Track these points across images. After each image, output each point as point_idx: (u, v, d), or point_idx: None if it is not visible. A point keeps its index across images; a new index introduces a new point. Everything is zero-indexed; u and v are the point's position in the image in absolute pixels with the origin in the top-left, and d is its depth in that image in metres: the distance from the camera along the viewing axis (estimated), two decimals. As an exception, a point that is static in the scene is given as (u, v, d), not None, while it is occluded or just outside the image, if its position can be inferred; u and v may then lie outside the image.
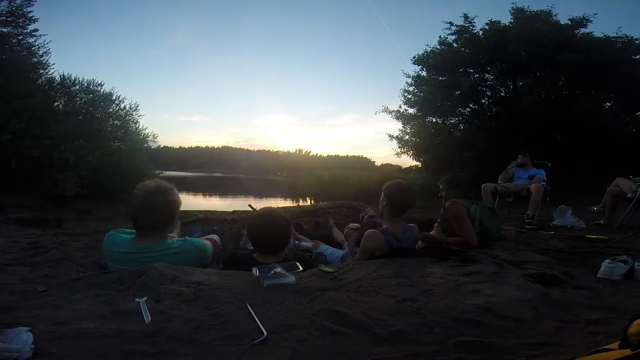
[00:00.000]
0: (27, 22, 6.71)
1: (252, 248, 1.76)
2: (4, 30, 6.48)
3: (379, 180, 11.12)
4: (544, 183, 4.02)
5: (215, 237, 2.13)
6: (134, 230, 1.60)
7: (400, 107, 10.40)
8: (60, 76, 7.14)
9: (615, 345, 0.65)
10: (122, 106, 7.96)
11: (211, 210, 4.35)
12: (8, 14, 6.50)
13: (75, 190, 5.38)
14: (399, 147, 10.69)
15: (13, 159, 4.93)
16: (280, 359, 0.83)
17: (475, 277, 1.46)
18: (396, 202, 2.01)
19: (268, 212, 1.79)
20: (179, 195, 1.64)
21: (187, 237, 1.75)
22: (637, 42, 8.24)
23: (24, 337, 0.82)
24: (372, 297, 1.21)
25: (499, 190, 4.20)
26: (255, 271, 1.35)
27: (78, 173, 5.49)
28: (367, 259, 1.83)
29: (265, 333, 0.93)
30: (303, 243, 2.58)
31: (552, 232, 3.05)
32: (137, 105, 8.23)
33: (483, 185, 4.21)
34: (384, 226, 2.04)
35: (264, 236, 1.64)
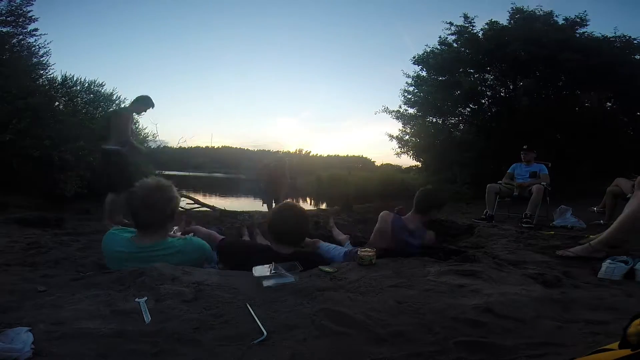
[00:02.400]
0: (27, 21, 6.72)
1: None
2: (4, 29, 6.49)
3: (378, 181, 11.14)
4: (544, 183, 4.03)
5: (213, 232, 2.15)
6: (133, 230, 1.60)
7: (400, 107, 10.40)
8: (62, 76, 7.14)
9: (615, 345, 0.65)
10: (122, 106, 7.96)
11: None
12: (8, 14, 6.50)
13: (75, 190, 5.38)
14: (399, 147, 10.69)
15: (14, 159, 4.92)
16: (281, 359, 0.83)
17: (475, 277, 1.46)
18: (416, 199, 2.31)
19: (288, 206, 1.91)
20: (178, 193, 1.64)
21: (187, 237, 1.76)
22: (635, 42, 8.24)
23: (24, 337, 0.82)
24: (372, 297, 1.21)
25: (503, 190, 4.21)
26: (255, 271, 1.35)
27: (78, 173, 5.48)
28: (379, 240, 2.10)
29: (265, 333, 0.93)
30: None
31: (552, 232, 3.05)
32: (137, 105, 8.23)
33: (488, 185, 4.23)
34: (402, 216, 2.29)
35: (283, 228, 1.72)
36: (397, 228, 2.12)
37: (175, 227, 2.57)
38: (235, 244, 1.95)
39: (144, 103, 3.75)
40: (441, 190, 2.67)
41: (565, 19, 8.65)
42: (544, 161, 4.47)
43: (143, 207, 1.51)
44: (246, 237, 2.77)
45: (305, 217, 1.86)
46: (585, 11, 8.55)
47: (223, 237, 2.05)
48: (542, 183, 4.01)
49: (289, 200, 4.04)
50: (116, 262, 1.52)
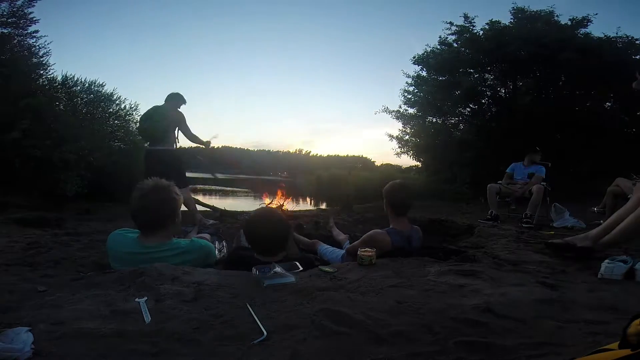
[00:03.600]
0: (28, 23, 6.73)
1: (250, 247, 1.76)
2: (5, 31, 6.49)
3: (378, 181, 11.12)
4: (544, 183, 4.04)
5: (206, 235, 2.15)
6: (138, 230, 1.60)
7: (400, 107, 10.41)
8: (62, 76, 7.14)
9: (615, 345, 0.65)
10: (122, 106, 7.97)
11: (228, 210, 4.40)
12: (9, 15, 6.51)
13: (75, 190, 5.38)
14: (399, 147, 10.70)
15: (17, 159, 4.93)
16: (280, 359, 0.83)
17: (475, 277, 1.46)
18: (395, 202, 2.02)
19: (265, 213, 1.75)
20: (178, 193, 1.63)
21: (193, 238, 1.76)
22: (637, 42, 8.24)
23: (24, 337, 0.82)
24: (372, 297, 1.21)
25: (503, 191, 4.22)
26: (255, 271, 1.35)
27: (79, 173, 5.48)
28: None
29: (265, 333, 0.93)
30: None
31: (552, 232, 3.06)
32: (138, 105, 8.23)
33: (489, 186, 4.23)
34: (391, 226, 2.04)
35: (261, 237, 1.62)
36: (394, 241, 1.93)
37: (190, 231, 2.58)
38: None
39: (179, 99, 3.72)
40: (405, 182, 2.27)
41: (571, 19, 8.64)
42: (544, 161, 4.47)
43: (140, 208, 1.51)
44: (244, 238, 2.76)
45: (283, 223, 1.67)
46: (596, 13, 8.54)
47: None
48: (542, 183, 4.02)
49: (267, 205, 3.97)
50: (122, 262, 1.52)
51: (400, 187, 2.09)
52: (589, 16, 8.53)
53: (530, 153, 4.39)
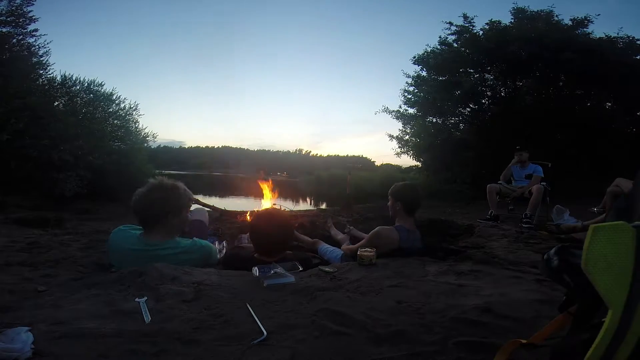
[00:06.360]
0: (27, 21, 6.72)
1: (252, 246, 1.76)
2: (4, 30, 6.48)
3: (378, 181, 11.12)
4: (544, 183, 4.04)
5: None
6: (142, 227, 1.62)
7: (400, 107, 10.41)
8: (61, 76, 7.14)
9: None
10: (122, 106, 7.96)
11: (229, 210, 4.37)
12: (8, 14, 6.50)
13: (75, 190, 5.38)
14: (399, 147, 10.70)
15: (12, 159, 4.93)
16: (280, 359, 0.83)
17: (475, 277, 1.46)
18: (407, 199, 2.09)
19: (269, 213, 1.77)
20: (187, 191, 1.66)
21: (195, 238, 1.76)
22: (638, 42, 8.25)
23: (24, 337, 0.82)
24: (372, 297, 1.21)
25: (503, 191, 4.22)
26: (255, 271, 1.35)
27: (78, 173, 5.48)
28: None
29: (265, 333, 0.93)
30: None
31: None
32: (137, 105, 8.23)
33: (488, 185, 4.23)
34: (398, 224, 2.07)
35: (265, 237, 1.63)
36: (405, 240, 1.97)
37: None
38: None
39: None
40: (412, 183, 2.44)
41: (572, 20, 8.64)
42: (544, 161, 4.46)
43: (141, 205, 1.55)
44: (245, 240, 2.75)
45: (287, 223, 1.72)
46: (599, 14, 8.53)
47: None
48: (542, 183, 4.02)
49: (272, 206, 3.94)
50: (122, 258, 1.53)
51: (412, 186, 2.23)
52: (590, 16, 8.55)
53: (516, 154, 4.37)
